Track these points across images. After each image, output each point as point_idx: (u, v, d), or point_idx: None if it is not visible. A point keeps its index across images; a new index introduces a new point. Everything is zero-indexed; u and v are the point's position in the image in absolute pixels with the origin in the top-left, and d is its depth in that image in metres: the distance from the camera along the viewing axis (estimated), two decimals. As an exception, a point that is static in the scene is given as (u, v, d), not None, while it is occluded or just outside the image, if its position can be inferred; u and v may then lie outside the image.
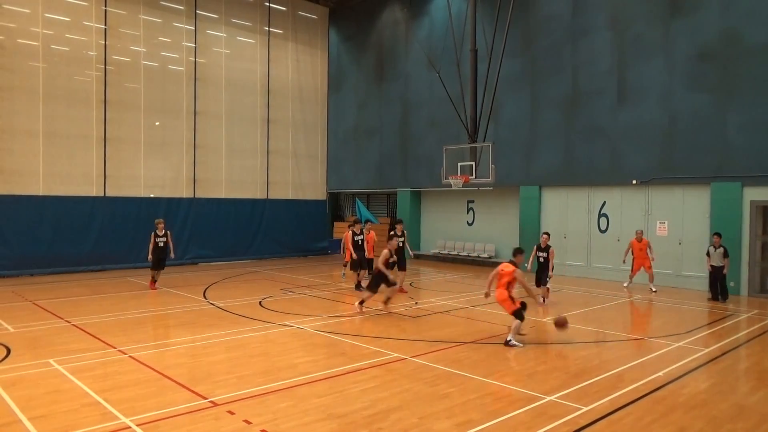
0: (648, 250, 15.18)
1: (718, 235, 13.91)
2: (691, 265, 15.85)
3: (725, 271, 13.73)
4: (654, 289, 15.10)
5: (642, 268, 15.26)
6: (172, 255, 15.14)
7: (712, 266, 13.93)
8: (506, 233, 20.98)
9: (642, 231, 15.54)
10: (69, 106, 18.31)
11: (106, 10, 19.06)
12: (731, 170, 15.00)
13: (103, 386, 6.98)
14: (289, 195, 24.51)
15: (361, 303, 12.03)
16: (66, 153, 18.31)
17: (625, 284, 15.96)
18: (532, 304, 10.95)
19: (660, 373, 7.77)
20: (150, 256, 14.79)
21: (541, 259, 13.56)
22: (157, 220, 15.10)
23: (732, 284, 14.60)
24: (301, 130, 24.92)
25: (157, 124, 20.37)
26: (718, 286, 13.85)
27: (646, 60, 16.61)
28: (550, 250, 13.54)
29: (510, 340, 9.14)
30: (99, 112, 18.93)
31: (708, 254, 14.02)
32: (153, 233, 14.83)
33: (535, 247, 13.84)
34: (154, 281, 15.05)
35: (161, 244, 14.77)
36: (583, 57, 18.08)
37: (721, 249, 13.69)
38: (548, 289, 13.55)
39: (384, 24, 24.90)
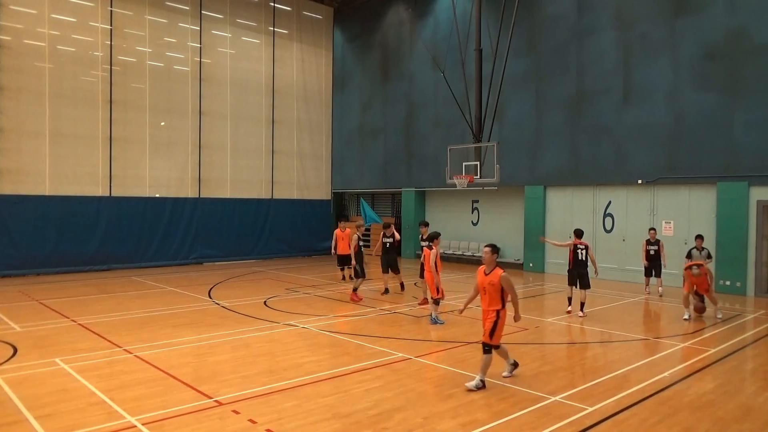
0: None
1: (701, 237, 12.94)
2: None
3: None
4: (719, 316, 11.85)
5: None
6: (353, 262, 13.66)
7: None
8: (511, 233, 20.93)
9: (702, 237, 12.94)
10: (75, 106, 18.38)
11: (111, 11, 19.13)
12: (738, 170, 14.93)
13: (108, 385, 7.01)
14: (294, 195, 24.54)
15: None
16: (72, 153, 18.38)
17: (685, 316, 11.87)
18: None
19: (666, 374, 7.75)
20: (359, 266, 13.47)
21: (652, 252, 14.49)
22: (358, 224, 14.34)
23: (738, 284, 14.54)
24: (305, 130, 24.94)
25: (162, 124, 20.43)
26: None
27: (651, 59, 16.54)
28: (660, 244, 14.60)
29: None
30: (105, 112, 19.00)
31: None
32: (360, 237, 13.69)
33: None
34: (356, 290, 13.56)
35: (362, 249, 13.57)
36: (588, 56, 18.02)
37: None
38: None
39: (389, 24, 24.89)
